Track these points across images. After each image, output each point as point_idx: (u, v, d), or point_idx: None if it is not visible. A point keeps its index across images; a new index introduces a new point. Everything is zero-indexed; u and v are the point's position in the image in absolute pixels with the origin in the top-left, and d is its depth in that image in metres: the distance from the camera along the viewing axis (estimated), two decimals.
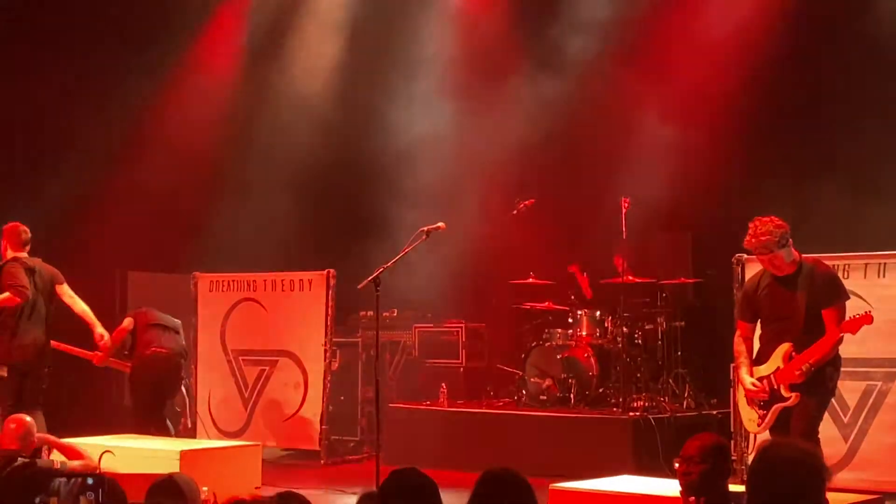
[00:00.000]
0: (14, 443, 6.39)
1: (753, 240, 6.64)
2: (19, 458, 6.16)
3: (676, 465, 4.71)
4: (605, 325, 10.75)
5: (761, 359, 6.83)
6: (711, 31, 10.92)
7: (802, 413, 6.61)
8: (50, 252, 11.76)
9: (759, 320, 6.95)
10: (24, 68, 12.01)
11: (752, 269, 8.97)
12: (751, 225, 6.66)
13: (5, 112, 11.86)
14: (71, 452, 7.14)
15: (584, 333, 10.78)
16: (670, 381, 10.61)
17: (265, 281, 11.17)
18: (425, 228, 8.17)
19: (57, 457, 7.03)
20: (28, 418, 6.65)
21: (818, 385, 6.64)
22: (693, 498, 4.62)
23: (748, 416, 6.89)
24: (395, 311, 11.86)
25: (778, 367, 6.68)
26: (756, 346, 6.95)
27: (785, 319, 6.70)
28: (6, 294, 8.64)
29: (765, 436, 6.85)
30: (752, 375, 6.78)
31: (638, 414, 9.78)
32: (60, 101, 12.32)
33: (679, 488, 4.71)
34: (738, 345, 6.94)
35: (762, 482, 3.19)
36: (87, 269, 12.37)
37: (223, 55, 13.40)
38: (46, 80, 11.98)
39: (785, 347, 6.67)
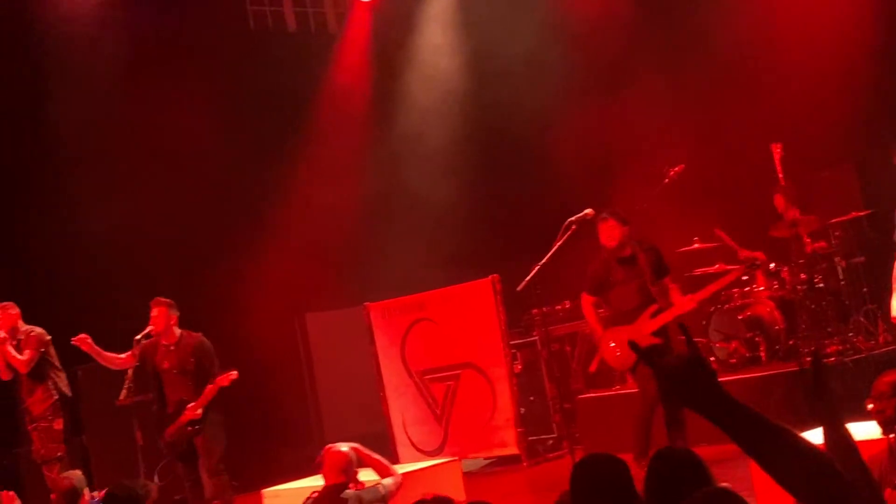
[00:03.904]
0: (338, 476, 6.27)
1: None
2: (348, 491, 6.13)
3: (870, 406, 4.56)
4: (782, 275, 10.45)
5: None
6: None
7: None
8: (231, 307, 12.30)
9: None
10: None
11: None
12: None
13: (189, 182, 12.41)
14: (382, 469, 6.79)
15: (762, 288, 10.51)
16: (861, 318, 10.25)
17: (433, 298, 11.26)
18: (573, 219, 8.12)
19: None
20: (346, 448, 6.43)
21: None
22: (894, 434, 4.48)
23: None
24: (568, 302, 11.78)
25: None
26: None
27: None
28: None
29: None
30: None
31: (834, 359, 9.47)
32: (230, 170, 12.90)
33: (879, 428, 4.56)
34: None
35: None
36: (268, 317, 12.86)
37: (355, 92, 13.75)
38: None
39: None
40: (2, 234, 11.96)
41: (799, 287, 10.14)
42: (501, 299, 10.70)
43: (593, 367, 9.83)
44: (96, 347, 9.55)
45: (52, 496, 6.94)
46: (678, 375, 2.41)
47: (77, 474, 6.77)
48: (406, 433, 11.53)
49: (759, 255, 10.52)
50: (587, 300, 8.80)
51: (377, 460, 6.74)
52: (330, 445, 6.52)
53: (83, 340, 9.49)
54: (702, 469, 3.10)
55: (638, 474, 3.32)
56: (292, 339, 14.01)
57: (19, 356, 9.67)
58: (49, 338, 9.88)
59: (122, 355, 9.61)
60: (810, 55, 10.84)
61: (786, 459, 2.34)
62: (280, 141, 13.22)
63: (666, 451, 3.28)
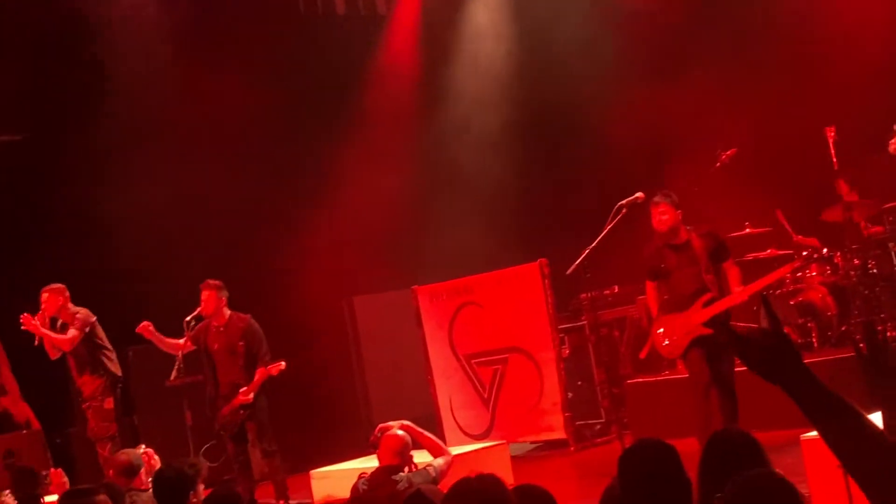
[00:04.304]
0: (394, 458, 6.29)
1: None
2: (400, 474, 6.13)
3: None
4: (835, 260, 10.32)
5: None
6: None
7: None
8: (280, 289, 12.35)
9: None
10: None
11: None
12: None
13: (229, 179, 12.49)
14: (434, 447, 6.76)
15: (814, 274, 10.38)
16: None
17: (481, 282, 11.24)
18: (623, 202, 8.03)
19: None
20: (401, 431, 6.42)
21: None
22: None
23: None
24: (616, 287, 11.72)
25: None
26: None
27: None
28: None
29: None
30: None
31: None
32: (280, 153, 12.95)
33: None
34: None
35: None
36: (317, 300, 12.91)
37: (401, 79, 13.74)
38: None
39: None
40: (55, 212, 12.10)
41: (852, 272, 10.00)
42: (550, 283, 10.65)
43: (643, 354, 9.73)
44: (157, 334, 9.67)
45: (110, 472, 7.01)
46: (763, 348, 2.45)
47: (135, 452, 6.83)
48: (453, 417, 11.54)
49: (814, 241, 10.37)
50: (649, 286, 8.71)
51: (429, 438, 6.73)
52: (384, 426, 6.52)
53: (145, 328, 9.62)
54: (758, 452, 3.06)
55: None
56: (340, 322, 14.06)
57: (62, 336, 9.80)
58: (94, 318, 10.00)
59: (181, 340, 9.71)
60: (865, 37, 10.68)
61: (854, 441, 2.34)
62: (329, 123, 13.23)
63: (723, 434, 3.24)
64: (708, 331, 8.19)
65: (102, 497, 4.80)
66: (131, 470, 6.49)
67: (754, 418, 7.99)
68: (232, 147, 12.61)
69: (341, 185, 12.97)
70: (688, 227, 8.35)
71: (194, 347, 9.74)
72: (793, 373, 2.43)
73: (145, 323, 9.62)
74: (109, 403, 9.93)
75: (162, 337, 9.71)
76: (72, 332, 9.84)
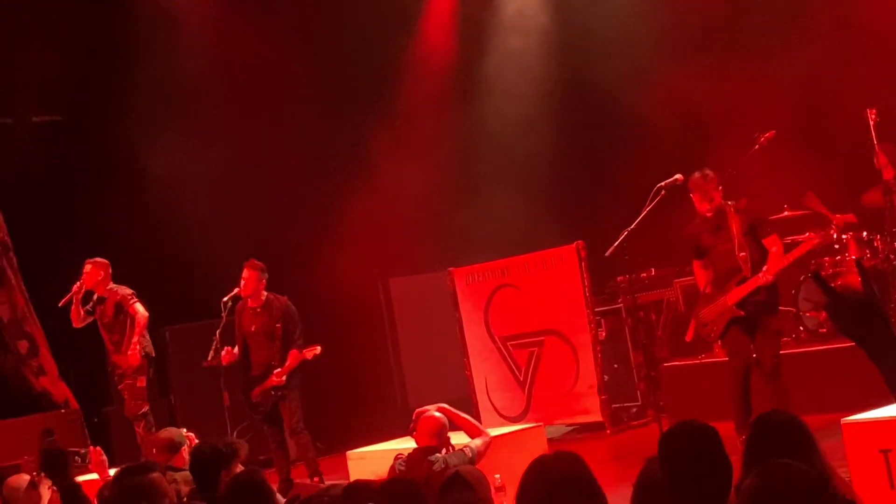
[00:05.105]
0: (431, 439, 6.25)
1: None
2: (436, 455, 6.11)
3: None
4: (875, 244, 10.20)
5: None
6: None
7: None
8: (316, 271, 12.38)
9: None
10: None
11: None
12: None
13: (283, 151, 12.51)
14: (471, 429, 6.69)
15: (853, 257, 10.27)
16: None
17: (517, 264, 11.22)
18: (662, 184, 7.98)
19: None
20: (438, 414, 6.38)
21: None
22: None
23: None
24: (653, 269, 11.67)
25: None
26: None
27: None
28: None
29: None
30: None
31: None
32: (319, 133, 12.98)
33: None
34: None
35: None
36: (353, 281, 12.94)
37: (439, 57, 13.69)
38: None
39: None
40: (94, 196, 12.17)
41: (892, 256, 9.89)
42: (586, 265, 10.62)
43: (689, 337, 9.65)
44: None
45: (152, 450, 7.08)
46: (854, 307, 2.46)
47: (178, 430, 6.88)
48: (489, 399, 11.55)
49: (851, 217, 10.23)
50: (695, 264, 8.66)
51: (466, 420, 6.70)
52: (421, 409, 6.52)
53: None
54: (803, 436, 3.03)
55: (736, 447, 3.25)
56: (376, 304, 14.10)
57: (135, 326, 9.92)
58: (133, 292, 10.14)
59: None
60: None
61: None
62: (367, 105, 13.21)
63: (769, 415, 3.21)
64: (740, 312, 8.13)
65: (157, 475, 4.88)
66: (173, 446, 6.55)
67: (795, 402, 7.94)
68: (269, 128, 12.63)
69: (379, 168, 12.97)
70: (728, 203, 8.30)
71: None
72: (878, 335, 2.45)
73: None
74: (142, 382, 10.04)
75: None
76: (137, 308, 9.97)
